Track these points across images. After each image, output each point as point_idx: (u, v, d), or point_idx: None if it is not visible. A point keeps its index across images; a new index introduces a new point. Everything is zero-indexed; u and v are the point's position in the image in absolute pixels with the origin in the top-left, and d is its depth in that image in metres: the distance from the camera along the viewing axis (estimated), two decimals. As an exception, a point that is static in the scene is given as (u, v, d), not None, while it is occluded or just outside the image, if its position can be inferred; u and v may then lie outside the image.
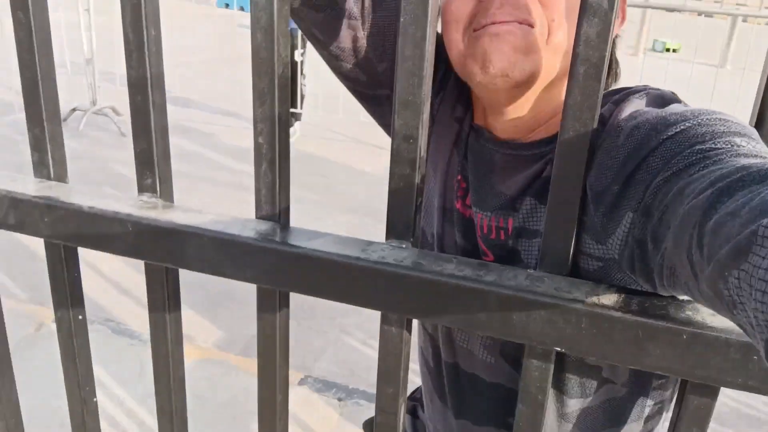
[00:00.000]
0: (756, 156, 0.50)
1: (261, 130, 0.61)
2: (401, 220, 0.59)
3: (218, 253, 0.61)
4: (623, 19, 0.74)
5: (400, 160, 0.57)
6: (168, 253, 0.64)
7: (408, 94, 0.55)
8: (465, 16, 0.67)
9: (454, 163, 0.79)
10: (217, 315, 2.91)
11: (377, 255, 0.57)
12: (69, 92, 5.82)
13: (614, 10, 0.47)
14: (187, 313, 2.81)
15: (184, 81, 6.99)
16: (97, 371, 2.28)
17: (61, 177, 0.72)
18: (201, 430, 2.17)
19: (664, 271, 0.52)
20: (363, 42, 0.76)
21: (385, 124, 0.85)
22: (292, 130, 5.64)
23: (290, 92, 0.62)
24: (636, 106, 0.65)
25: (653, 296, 0.53)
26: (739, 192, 0.42)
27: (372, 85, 0.80)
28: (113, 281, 3.16)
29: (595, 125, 0.51)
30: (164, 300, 0.67)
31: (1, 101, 5.71)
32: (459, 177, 0.79)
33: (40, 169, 0.71)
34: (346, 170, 5.11)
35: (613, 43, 0.64)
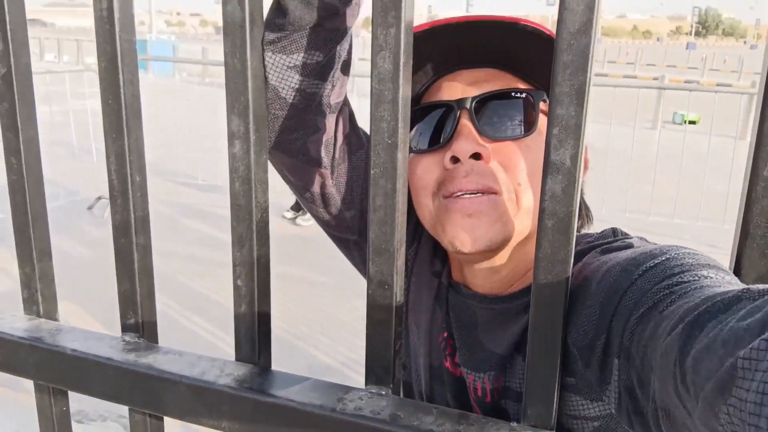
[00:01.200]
0: (720, 285, 0.50)
1: (240, 273, 0.61)
2: (380, 365, 0.57)
3: (195, 401, 0.60)
4: (586, 168, 0.75)
5: (376, 305, 0.56)
6: (146, 400, 0.62)
7: (381, 242, 0.55)
8: (433, 183, 0.68)
9: (437, 319, 0.78)
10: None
11: (354, 405, 0.55)
12: (96, 179, 5.95)
13: (578, 167, 0.47)
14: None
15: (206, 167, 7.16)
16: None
17: (51, 314, 0.72)
18: None
19: (659, 414, 0.50)
20: (331, 189, 0.77)
21: (355, 264, 0.84)
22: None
23: (268, 233, 0.62)
24: (601, 252, 0.64)
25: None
26: (708, 324, 0.42)
27: (340, 229, 0.81)
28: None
29: (569, 277, 0.49)
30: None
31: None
32: (445, 334, 0.77)
33: (30, 305, 0.72)
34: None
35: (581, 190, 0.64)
